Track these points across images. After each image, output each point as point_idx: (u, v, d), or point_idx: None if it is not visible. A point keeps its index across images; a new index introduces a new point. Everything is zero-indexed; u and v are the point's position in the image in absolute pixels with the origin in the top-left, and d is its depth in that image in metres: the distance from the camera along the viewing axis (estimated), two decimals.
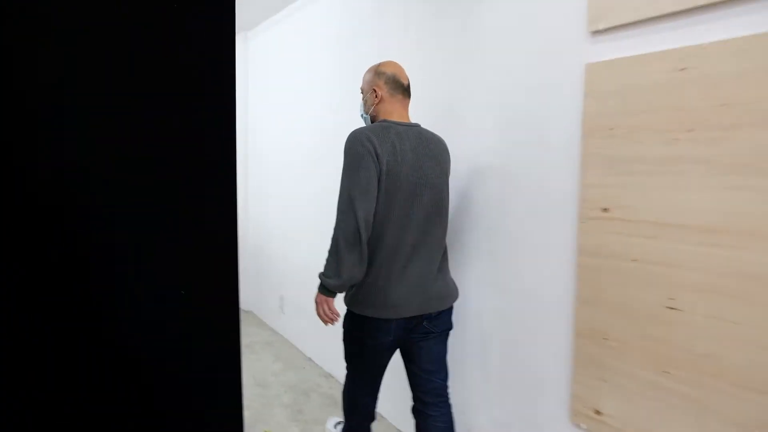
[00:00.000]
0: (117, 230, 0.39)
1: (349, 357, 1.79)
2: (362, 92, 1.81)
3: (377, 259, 1.62)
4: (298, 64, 3.47)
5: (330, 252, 1.60)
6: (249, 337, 3.97)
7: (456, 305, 1.99)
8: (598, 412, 1.57)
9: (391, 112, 1.74)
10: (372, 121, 1.78)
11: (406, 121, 1.74)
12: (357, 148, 1.58)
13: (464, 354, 2.09)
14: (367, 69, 1.83)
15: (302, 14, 3.43)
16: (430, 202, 1.67)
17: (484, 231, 1.97)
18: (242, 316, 4.49)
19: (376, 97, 1.74)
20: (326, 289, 1.63)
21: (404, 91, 1.76)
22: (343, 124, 2.87)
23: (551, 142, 1.69)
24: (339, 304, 1.79)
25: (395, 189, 1.59)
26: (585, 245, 1.57)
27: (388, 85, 1.74)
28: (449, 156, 1.80)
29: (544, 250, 1.73)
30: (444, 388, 1.83)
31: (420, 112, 2.15)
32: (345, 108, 2.87)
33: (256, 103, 4.23)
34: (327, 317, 1.67)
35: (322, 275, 1.63)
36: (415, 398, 1.85)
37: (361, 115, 1.84)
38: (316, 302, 1.68)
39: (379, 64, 1.80)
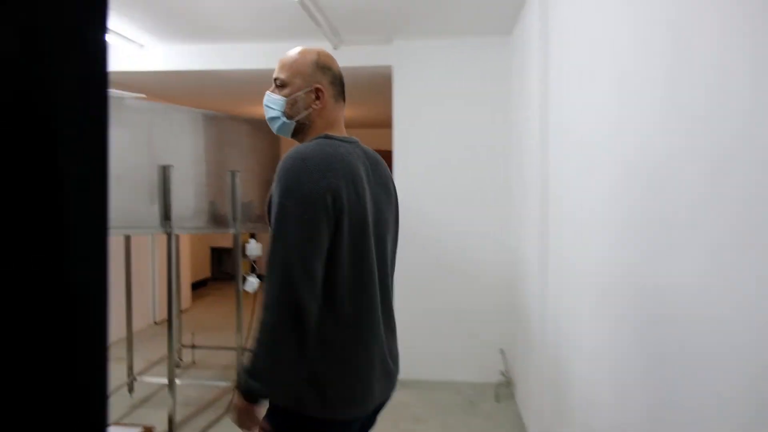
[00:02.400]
0: None
1: None
2: (284, 85, 1.42)
3: (339, 339, 1.38)
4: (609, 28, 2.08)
5: (260, 341, 1.30)
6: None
7: None
8: None
9: (332, 123, 1.46)
10: (298, 131, 1.46)
11: (346, 135, 1.47)
12: (305, 188, 1.27)
13: None
14: (291, 54, 1.44)
15: None
16: (390, 250, 1.46)
17: None
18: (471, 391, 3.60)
19: (317, 99, 1.42)
20: (250, 394, 1.33)
21: (344, 98, 1.51)
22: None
23: None
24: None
25: (360, 241, 1.35)
26: None
27: (334, 87, 1.45)
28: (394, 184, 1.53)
29: None
30: None
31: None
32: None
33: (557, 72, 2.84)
34: None
35: (245, 375, 1.30)
36: None
37: (276, 117, 1.44)
38: (237, 410, 1.36)
39: (318, 54, 1.44)
